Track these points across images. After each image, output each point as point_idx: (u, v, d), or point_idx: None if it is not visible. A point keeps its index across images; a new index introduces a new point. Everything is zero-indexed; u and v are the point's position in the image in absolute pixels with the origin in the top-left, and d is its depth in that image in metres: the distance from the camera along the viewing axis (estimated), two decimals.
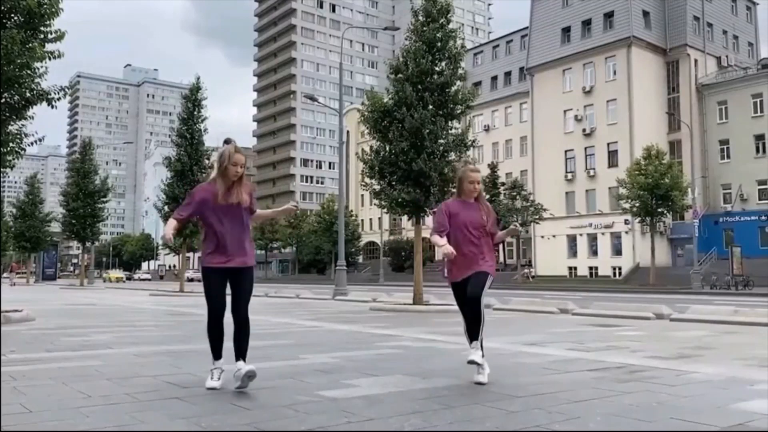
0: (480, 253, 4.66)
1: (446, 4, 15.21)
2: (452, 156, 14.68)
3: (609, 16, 51.22)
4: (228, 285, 4.34)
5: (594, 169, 51.19)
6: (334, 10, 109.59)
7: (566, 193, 53.00)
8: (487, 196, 54.16)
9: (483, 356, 4.49)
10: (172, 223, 4.33)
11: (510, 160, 59.58)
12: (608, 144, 50.51)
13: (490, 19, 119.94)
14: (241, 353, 4.23)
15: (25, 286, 40.06)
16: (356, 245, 71.32)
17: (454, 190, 5.06)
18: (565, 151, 53.36)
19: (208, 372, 4.32)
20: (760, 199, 46.04)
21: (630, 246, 48.40)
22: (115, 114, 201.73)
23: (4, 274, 43.16)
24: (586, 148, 52.06)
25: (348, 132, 69.55)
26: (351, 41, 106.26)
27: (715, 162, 48.71)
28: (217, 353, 4.35)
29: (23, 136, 11.06)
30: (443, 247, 4.56)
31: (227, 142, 4.44)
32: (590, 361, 5.75)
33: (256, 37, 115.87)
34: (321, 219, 69.35)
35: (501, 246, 58.41)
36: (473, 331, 4.54)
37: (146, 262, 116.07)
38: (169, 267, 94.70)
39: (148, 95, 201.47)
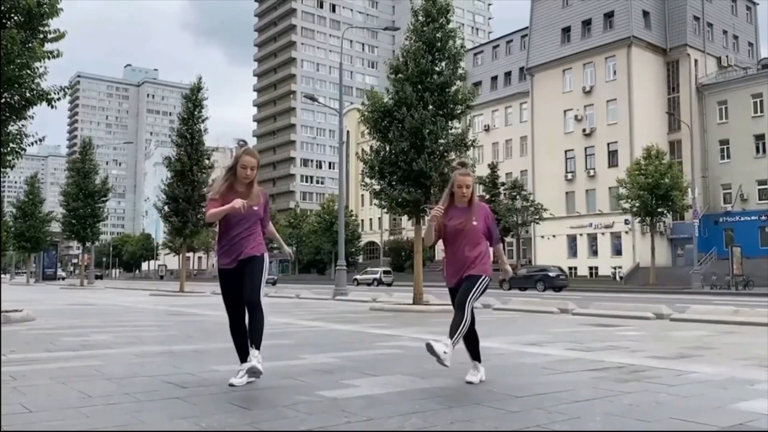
0: (473, 257, 4.48)
1: (446, 4, 15.21)
2: (452, 156, 14.70)
3: (609, 16, 51.21)
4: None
5: (594, 169, 51.19)
6: (334, 10, 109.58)
7: (566, 193, 53.00)
8: (487, 196, 54.32)
9: (446, 353, 4.20)
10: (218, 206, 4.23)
11: (510, 160, 59.58)
12: (608, 144, 50.51)
13: (490, 19, 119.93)
14: (253, 340, 4.16)
15: (24, 286, 40.05)
16: (356, 245, 71.28)
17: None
18: (565, 151, 53.37)
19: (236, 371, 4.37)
20: (760, 199, 46.04)
21: (630, 246, 48.41)
22: (115, 114, 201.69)
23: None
24: (586, 148, 52.07)
25: (348, 132, 69.55)
26: (351, 41, 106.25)
27: (715, 162, 48.71)
28: (241, 354, 4.37)
29: (23, 136, 11.06)
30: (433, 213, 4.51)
31: (241, 145, 4.43)
32: (590, 361, 5.75)
33: (256, 37, 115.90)
34: (321, 219, 69.35)
35: (501, 246, 58.29)
36: (451, 328, 4.30)
37: (146, 262, 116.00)
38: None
39: (148, 95, 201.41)
